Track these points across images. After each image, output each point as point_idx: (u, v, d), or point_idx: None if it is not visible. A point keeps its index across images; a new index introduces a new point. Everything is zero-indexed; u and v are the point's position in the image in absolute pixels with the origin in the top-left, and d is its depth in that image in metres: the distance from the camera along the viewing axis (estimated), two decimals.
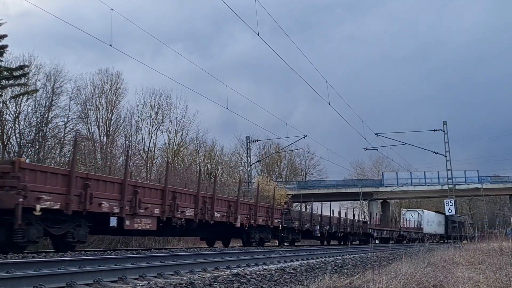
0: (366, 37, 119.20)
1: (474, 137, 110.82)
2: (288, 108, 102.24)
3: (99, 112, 37.84)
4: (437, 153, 38.16)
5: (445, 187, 47.76)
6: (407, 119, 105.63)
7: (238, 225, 18.52)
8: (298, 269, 9.21)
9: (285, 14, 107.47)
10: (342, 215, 31.56)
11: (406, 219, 48.12)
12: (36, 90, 30.18)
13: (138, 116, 40.62)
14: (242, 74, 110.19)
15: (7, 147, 28.89)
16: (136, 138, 39.91)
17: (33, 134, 29.83)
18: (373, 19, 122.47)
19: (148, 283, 6.29)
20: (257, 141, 49.80)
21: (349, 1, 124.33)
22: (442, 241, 52.52)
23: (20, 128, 29.66)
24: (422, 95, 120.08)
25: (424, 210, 52.90)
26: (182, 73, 77.38)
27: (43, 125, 30.22)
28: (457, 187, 47.44)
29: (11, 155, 28.42)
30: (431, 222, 51.55)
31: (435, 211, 57.60)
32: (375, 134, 35.87)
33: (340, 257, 13.90)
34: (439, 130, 37.45)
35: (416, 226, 47.43)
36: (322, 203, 30.13)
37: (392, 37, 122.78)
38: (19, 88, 29.51)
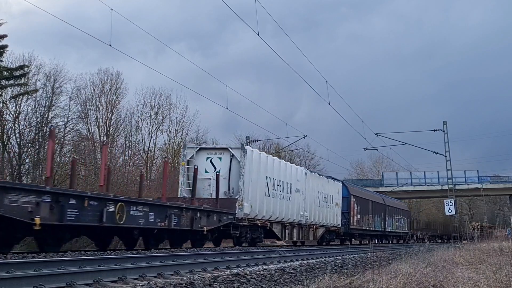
0: (371, 35, 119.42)
1: (477, 137, 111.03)
2: (291, 107, 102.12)
3: (99, 112, 37.85)
4: (437, 153, 38.22)
5: (445, 187, 47.75)
6: (409, 119, 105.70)
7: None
8: (298, 269, 9.21)
9: (290, 12, 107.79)
10: None
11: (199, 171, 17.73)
12: (36, 90, 30.21)
13: (138, 116, 40.65)
14: (245, 73, 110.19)
15: (7, 147, 28.89)
16: (136, 138, 39.96)
17: (33, 134, 29.85)
18: (378, 17, 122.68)
19: (148, 283, 6.29)
20: (257, 141, 49.78)
21: (354, 0, 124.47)
22: (336, 241, 28.92)
23: (20, 128, 29.70)
24: (424, 95, 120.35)
25: (255, 150, 20.23)
26: (185, 71, 77.46)
27: (43, 125, 30.23)
28: (457, 187, 47.39)
29: (11, 155, 28.45)
30: (285, 190, 21.29)
31: (327, 177, 27.98)
32: (375, 134, 35.92)
33: (340, 257, 13.91)
34: (439, 130, 37.50)
35: (225, 196, 18.13)
36: None
37: (396, 36, 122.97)
38: (19, 88, 29.53)
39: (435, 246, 22.14)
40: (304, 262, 11.27)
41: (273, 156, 22.97)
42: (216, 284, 6.50)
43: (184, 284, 6.21)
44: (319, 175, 27.36)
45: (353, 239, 32.73)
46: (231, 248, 17.72)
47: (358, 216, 31.33)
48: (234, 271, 8.22)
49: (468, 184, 58.78)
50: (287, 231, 22.21)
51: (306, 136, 37.86)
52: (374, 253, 15.47)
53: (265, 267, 9.43)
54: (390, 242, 37.86)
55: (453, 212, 37.20)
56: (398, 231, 41.73)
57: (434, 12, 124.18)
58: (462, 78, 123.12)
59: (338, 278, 6.91)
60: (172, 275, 7.32)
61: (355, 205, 30.97)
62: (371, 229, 34.08)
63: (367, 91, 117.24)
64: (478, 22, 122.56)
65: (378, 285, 6.14)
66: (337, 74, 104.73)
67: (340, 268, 10.05)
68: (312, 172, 26.83)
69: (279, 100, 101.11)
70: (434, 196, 64.06)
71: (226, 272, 8.01)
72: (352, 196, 30.70)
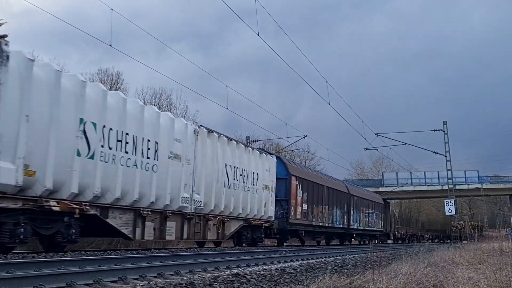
0: (372, 35, 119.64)
1: (477, 137, 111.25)
2: (292, 107, 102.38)
3: None
4: (437, 153, 38.16)
5: (445, 187, 47.71)
6: (410, 119, 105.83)
7: None
8: (298, 269, 9.21)
9: (291, 12, 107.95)
10: None
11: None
12: None
13: None
14: (246, 73, 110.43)
15: None
16: None
17: None
18: (379, 17, 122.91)
19: (148, 283, 6.29)
20: (257, 141, 49.77)
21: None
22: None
23: None
24: (425, 95, 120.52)
25: (50, 64, 11.26)
26: (187, 70, 77.50)
27: None
28: (457, 187, 47.33)
29: None
30: (142, 151, 12.47)
31: (254, 148, 19.48)
32: (375, 134, 35.88)
33: (340, 257, 13.93)
34: (439, 130, 37.46)
35: None
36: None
37: (398, 36, 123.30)
38: None
39: (435, 246, 22.15)
40: (304, 262, 11.29)
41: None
42: (216, 284, 6.50)
43: (184, 284, 6.21)
44: (230, 139, 17.18)
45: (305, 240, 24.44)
46: (231, 248, 17.74)
47: (305, 206, 22.48)
48: (234, 271, 8.22)
49: (468, 184, 58.78)
50: (148, 223, 12.96)
51: (306, 136, 37.74)
52: (374, 253, 15.50)
53: (265, 267, 9.44)
54: (361, 243, 31.43)
55: (453, 212, 37.14)
56: (368, 228, 33.34)
57: (436, 12, 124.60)
58: (463, 78, 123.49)
59: (338, 278, 6.91)
60: (172, 275, 7.32)
61: (299, 190, 22.01)
62: (326, 225, 25.13)
63: (368, 91, 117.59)
64: (480, 22, 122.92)
65: (378, 285, 6.14)
66: (337, 74, 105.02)
67: (340, 268, 10.05)
68: (213, 132, 16.11)
69: (279, 100, 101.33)
70: (434, 196, 64.09)
71: (226, 272, 8.01)
72: (293, 178, 21.44)
